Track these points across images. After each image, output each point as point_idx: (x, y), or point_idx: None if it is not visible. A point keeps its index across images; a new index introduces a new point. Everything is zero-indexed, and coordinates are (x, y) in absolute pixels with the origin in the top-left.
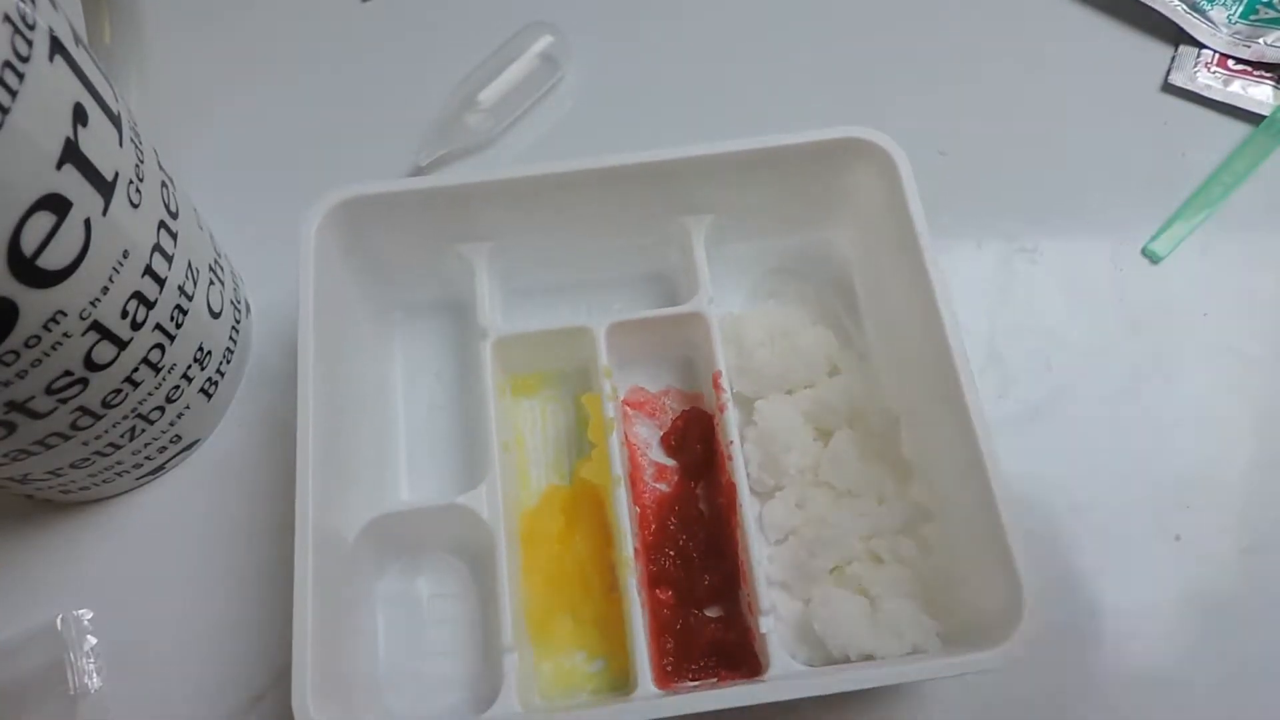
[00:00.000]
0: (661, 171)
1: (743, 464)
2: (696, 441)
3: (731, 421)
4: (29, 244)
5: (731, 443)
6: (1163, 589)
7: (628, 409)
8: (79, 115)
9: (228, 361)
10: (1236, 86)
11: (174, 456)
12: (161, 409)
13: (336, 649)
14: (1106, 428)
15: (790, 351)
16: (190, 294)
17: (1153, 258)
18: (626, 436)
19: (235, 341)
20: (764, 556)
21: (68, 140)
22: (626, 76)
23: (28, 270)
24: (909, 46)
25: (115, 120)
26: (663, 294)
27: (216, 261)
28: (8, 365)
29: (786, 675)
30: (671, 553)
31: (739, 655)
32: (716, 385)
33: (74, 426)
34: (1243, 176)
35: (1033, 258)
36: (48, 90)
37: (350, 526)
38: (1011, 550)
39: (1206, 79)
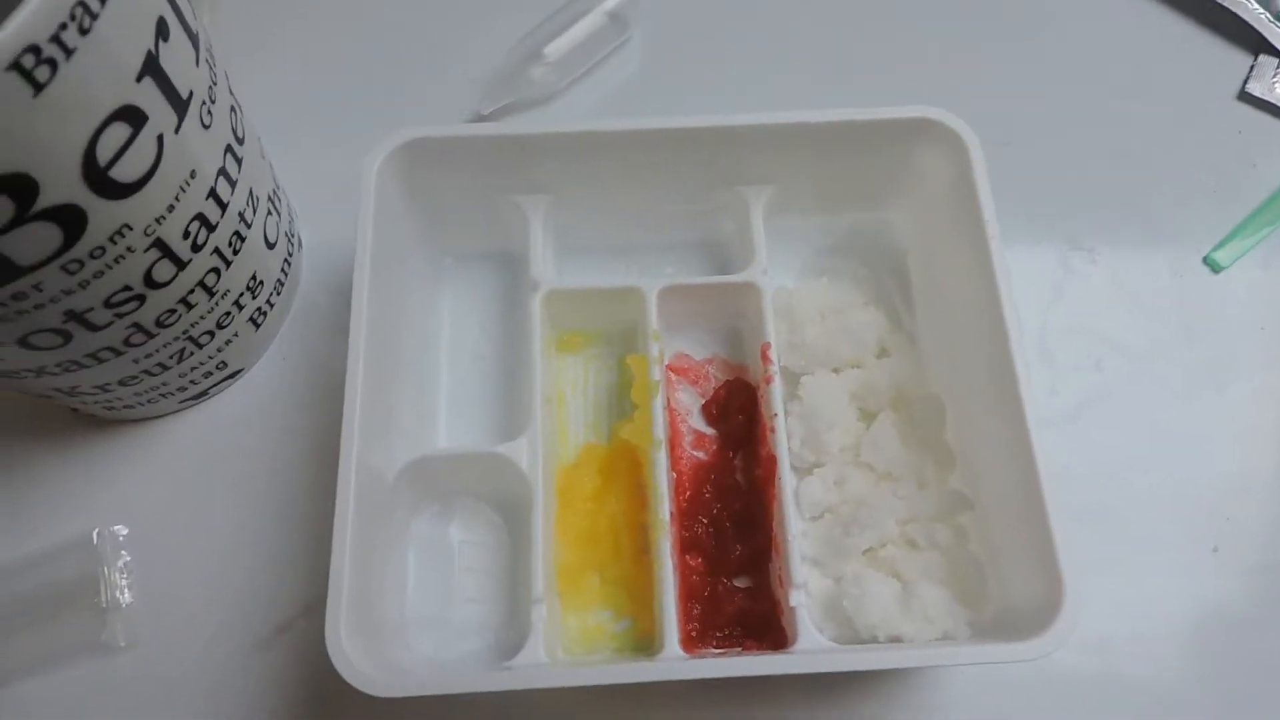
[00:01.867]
0: (724, 138)
1: (785, 438)
2: (738, 412)
3: (777, 394)
4: (104, 154)
5: (775, 415)
6: (1196, 598)
7: (671, 374)
8: (161, 30)
9: (278, 293)
10: None
11: (218, 383)
12: (211, 334)
13: (368, 585)
14: (1151, 433)
15: (840, 330)
16: (249, 221)
17: (1214, 267)
18: (669, 401)
19: (286, 274)
20: (799, 531)
21: (149, 53)
22: (694, 40)
23: (101, 180)
24: (984, 34)
25: (194, 39)
26: (714, 262)
27: (275, 193)
28: (71, 274)
29: (814, 650)
30: (705, 520)
31: (764, 627)
32: (765, 357)
33: (127, 343)
34: None
35: (1091, 257)
36: (134, 1)
37: (390, 466)
38: (1055, 545)
39: None
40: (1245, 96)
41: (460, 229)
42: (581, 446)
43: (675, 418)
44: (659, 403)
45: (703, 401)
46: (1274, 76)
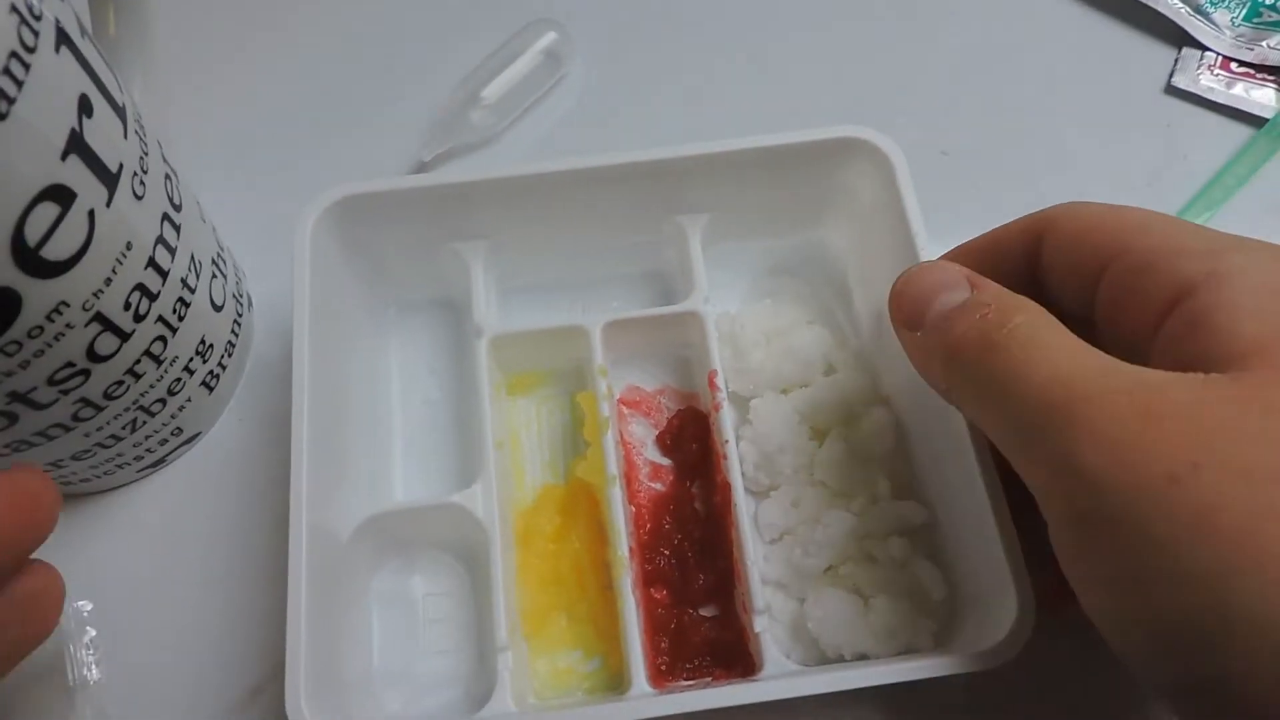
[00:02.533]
0: (657, 170)
1: (738, 463)
2: (692, 440)
3: (726, 421)
4: (33, 234)
5: (727, 442)
6: None
7: (623, 408)
8: (84, 107)
9: (229, 355)
10: (1239, 89)
11: (175, 449)
12: (163, 401)
13: (331, 646)
14: None
15: (785, 351)
16: (193, 287)
17: None
18: (622, 435)
19: (237, 335)
20: (759, 556)
21: (72, 131)
22: (629, 74)
23: (31, 260)
24: (912, 47)
25: (120, 112)
26: (659, 292)
27: (219, 255)
28: (10, 355)
29: (780, 674)
30: (666, 552)
31: (733, 655)
32: (712, 384)
33: (75, 418)
34: (1244, 179)
35: None
36: (53, 81)
37: (345, 524)
38: (1005, 550)
39: (1209, 81)
40: (1171, 90)
41: (403, 278)
42: (539, 488)
43: (630, 451)
44: (610, 438)
45: (657, 432)
46: (1197, 69)
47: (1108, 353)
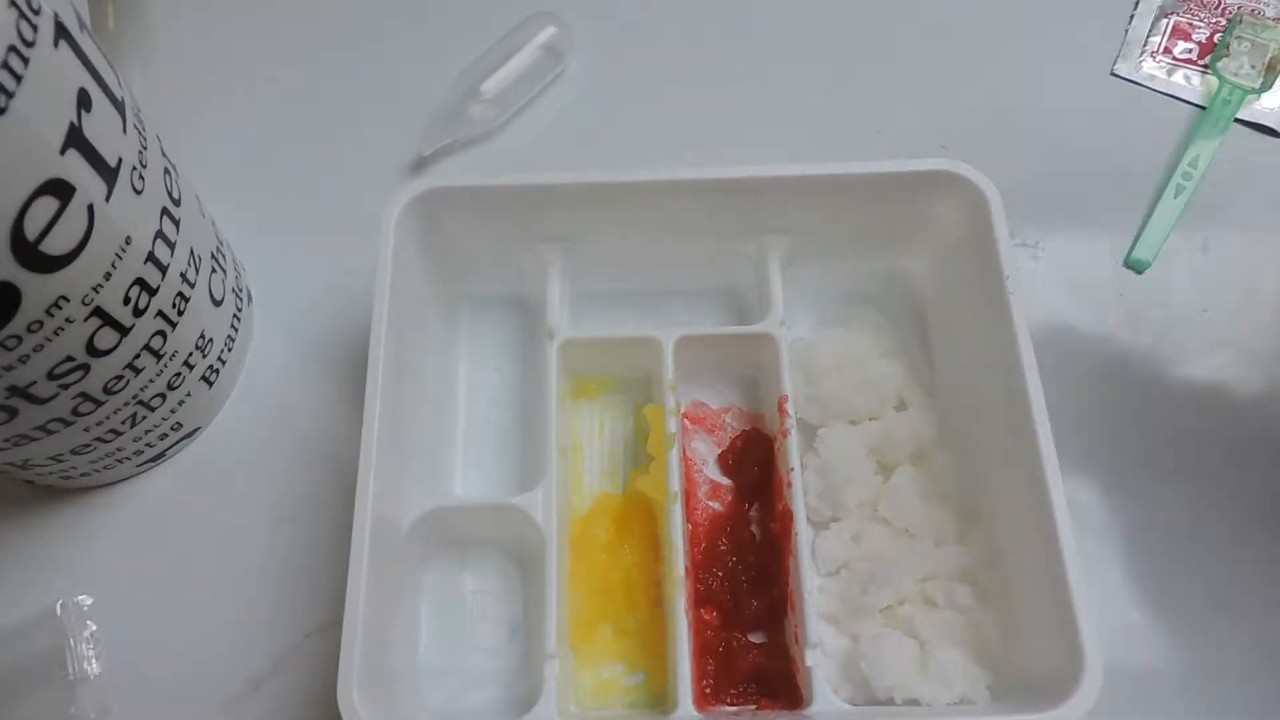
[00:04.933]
0: (743, 189)
1: (801, 492)
2: (754, 463)
3: (794, 448)
4: (32, 229)
5: (792, 470)
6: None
7: (687, 423)
8: (83, 101)
9: (229, 350)
10: (1179, 77)
11: (174, 444)
12: (163, 396)
13: (380, 638)
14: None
15: (858, 381)
16: (192, 281)
17: (1137, 267)
18: (684, 452)
19: (236, 330)
20: (814, 588)
21: (71, 126)
22: (628, 69)
23: (31, 255)
24: (909, 43)
25: (119, 106)
26: (730, 309)
27: (219, 249)
28: (9, 350)
29: (830, 712)
30: (719, 573)
31: (780, 685)
32: (782, 410)
33: (75, 412)
34: (1200, 167)
35: (1034, 253)
36: (52, 76)
37: (405, 516)
38: (1075, 609)
39: (1151, 69)
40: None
41: (478, 275)
42: (596, 496)
43: (691, 467)
44: (675, 455)
45: (719, 451)
46: (1140, 56)
47: None
